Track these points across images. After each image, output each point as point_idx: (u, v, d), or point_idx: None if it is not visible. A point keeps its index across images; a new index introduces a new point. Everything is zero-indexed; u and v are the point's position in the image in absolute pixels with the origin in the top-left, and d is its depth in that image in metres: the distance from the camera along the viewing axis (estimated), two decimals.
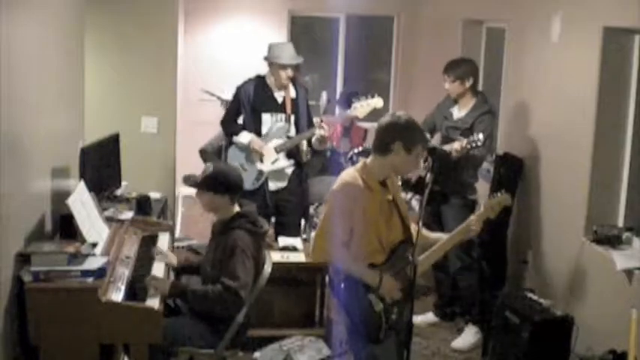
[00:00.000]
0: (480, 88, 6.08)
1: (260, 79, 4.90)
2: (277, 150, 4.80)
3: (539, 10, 4.90)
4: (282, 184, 4.90)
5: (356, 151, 5.36)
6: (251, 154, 4.82)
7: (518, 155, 5.10)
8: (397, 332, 3.20)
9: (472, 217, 3.35)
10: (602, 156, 4.24)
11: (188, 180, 3.80)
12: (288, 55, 4.80)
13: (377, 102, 4.83)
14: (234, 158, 4.89)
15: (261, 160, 4.81)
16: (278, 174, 4.87)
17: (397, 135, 3.10)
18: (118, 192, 4.86)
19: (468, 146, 4.38)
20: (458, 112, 4.79)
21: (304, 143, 4.86)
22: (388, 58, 7.80)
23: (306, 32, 8.05)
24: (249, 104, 4.84)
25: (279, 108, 4.85)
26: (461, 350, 4.62)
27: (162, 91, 5.90)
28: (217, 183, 3.56)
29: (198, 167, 5.09)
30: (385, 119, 3.16)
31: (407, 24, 7.57)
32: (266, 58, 4.83)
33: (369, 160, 3.20)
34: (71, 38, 4.32)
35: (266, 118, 4.84)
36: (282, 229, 4.91)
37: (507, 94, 5.58)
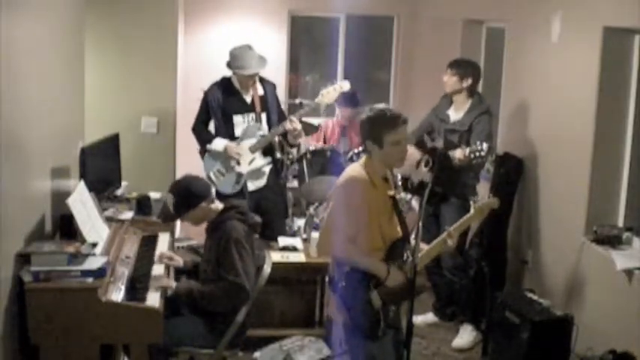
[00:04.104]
0: (480, 88, 6.09)
1: (226, 81, 4.89)
2: (252, 150, 4.81)
3: (539, 10, 4.89)
4: (261, 182, 4.92)
5: (356, 150, 5.36)
6: (227, 159, 4.82)
7: (518, 155, 5.10)
8: (395, 330, 3.20)
9: (450, 228, 3.34)
10: (602, 156, 4.24)
11: (163, 216, 3.76)
12: (254, 63, 4.76)
13: (342, 85, 4.97)
14: (210, 166, 4.89)
15: (238, 163, 4.81)
16: (256, 173, 4.89)
17: (364, 135, 3.15)
18: (118, 192, 4.87)
19: (472, 156, 4.35)
20: (455, 115, 4.78)
21: (276, 139, 4.89)
22: (388, 58, 7.78)
23: (306, 32, 8.04)
24: (219, 108, 4.84)
25: (249, 108, 4.86)
26: (461, 349, 4.63)
27: (162, 91, 5.90)
28: (188, 200, 3.55)
29: (198, 167, 5.10)
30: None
31: (407, 24, 7.56)
32: (229, 66, 4.80)
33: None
34: (71, 38, 4.32)
35: (237, 120, 4.85)
36: (266, 228, 4.90)
37: (507, 94, 5.57)
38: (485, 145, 4.33)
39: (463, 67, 4.73)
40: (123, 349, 3.52)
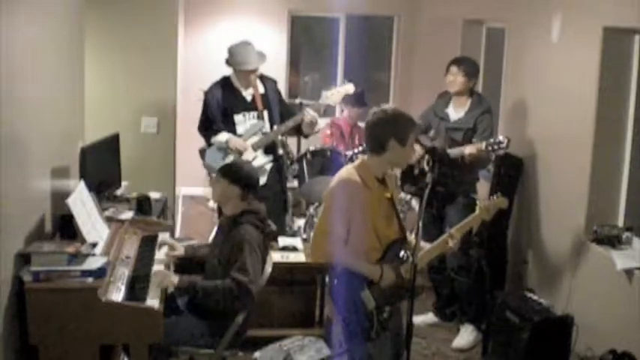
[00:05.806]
0: (480, 88, 6.10)
1: (226, 81, 4.88)
2: (254, 147, 4.80)
3: (539, 10, 4.90)
4: (262, 180, 4.90)
5: (356, 150, 5.36)
6: (229, 154, 4.82)
7: (518, 155, 5.10)
8: (394, 332, 3.20)
9: (451, 230, 3.33)
10: (602, 156, 4.24)
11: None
12: (253, 58, 4.75)
13: (347, 88, 4.89)
14: (213, 159, 4.86)
15: (240, 157, 4.81)
16: (257, 171, 4.88)
17: (389, 132, 3.08)
18: (118, 192, 4.86)
19: (489, 148, 4.36)
20: (455, 113, 4.77)
21: (279, 137, 4.88)
22: (388, 58, 7.79)
23: (306, 32, 8.04)
24: (218, 108, 4.82)
25: (250, 106, 4.84)
26: (461, 349, 4.63)
27: (162, 91, 5.89)
28: (232, 171, 3.65)
29: (198, 167, 5.10)
30: (373, 117, 3.14)
31: (407, 24, 7.57)
32: (228, 64, 4.79)
33: (366, 157, 3.20)
34: (71, 38, 4.32)
35: (238, 119, 4.83)
36: None
37: (507, 94, 5.58)
38: (502, 137, 4.34)
39: (469, 65, 4.72)
40: (123, 349, 3.52)
